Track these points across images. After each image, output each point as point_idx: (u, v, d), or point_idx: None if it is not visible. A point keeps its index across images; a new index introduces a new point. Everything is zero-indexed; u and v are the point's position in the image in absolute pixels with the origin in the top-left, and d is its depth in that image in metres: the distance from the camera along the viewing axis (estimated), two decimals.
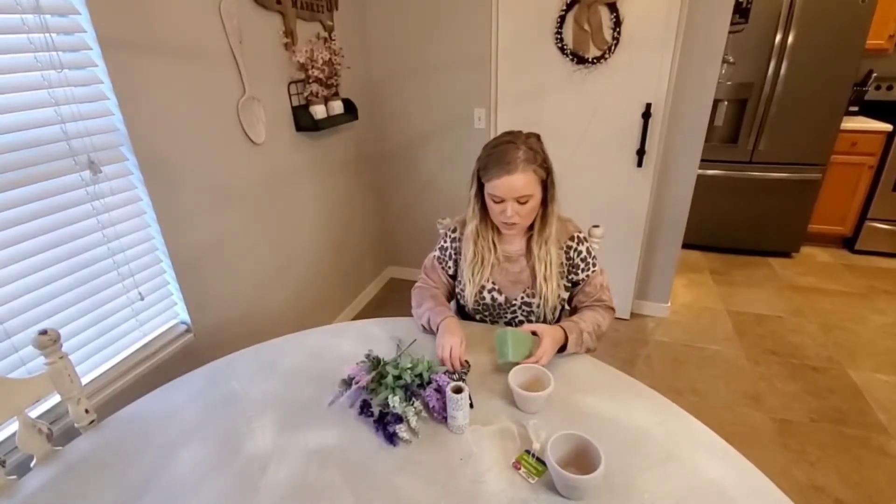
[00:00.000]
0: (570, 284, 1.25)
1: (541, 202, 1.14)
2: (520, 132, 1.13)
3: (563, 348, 1.08)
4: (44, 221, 1.17)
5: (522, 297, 1.23)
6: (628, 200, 2.30)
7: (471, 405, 0.94)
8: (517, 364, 0.99)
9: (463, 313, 1.36)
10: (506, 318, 1.28)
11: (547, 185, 1.13)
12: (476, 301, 1.26)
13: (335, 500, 0.78)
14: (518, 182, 1.06)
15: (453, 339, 1.06)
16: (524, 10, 2.13)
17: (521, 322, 1.28)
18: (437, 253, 1.32)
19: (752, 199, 3.12)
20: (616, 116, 2.17)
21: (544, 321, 1.25)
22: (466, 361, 1.08)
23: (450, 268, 1.31)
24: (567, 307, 1.32)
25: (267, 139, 1.84)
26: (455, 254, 1.29)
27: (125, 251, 1.38)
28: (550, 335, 1.05)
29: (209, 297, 1.67)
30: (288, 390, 1.04)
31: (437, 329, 1.14)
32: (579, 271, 1.22)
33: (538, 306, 1.22)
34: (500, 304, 1.25)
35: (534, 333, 1.07)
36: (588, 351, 1.14)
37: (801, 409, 1.92)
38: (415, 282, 1.35)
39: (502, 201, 1.10)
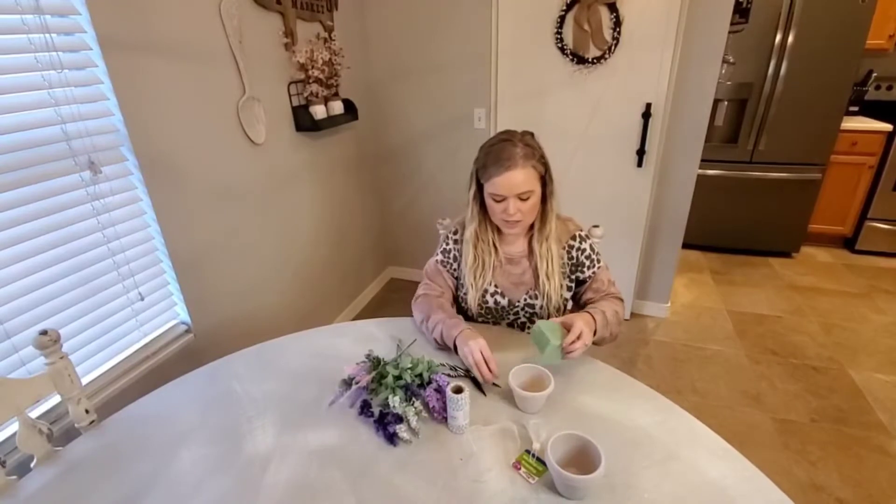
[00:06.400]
0: (573, 284, 1.24)
1: (540, 199, 1.14)
2: (515, 131, 1.13)
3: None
4: (44, 222, 1.17)
5: (525, 299, 1.22)
6: (628, 200, 2.29)
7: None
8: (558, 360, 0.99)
9: (466, 318, 1.34)
10: (508, 319, 1.28)
11: (545, 180, 1.12)
12: (479, 305, 1.24)
13: (336, 500, 0.78)
14: (518, 177, 1.06)
15: (479, 341, 1.03)
16: (524, 10, 2.13)
17: (524, 324, 1.28)
18: (439, 256, 1.30)
19: (752, 199, 3.13)
20: (616, 116, 2.17)
21: None
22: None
23: (454, 270, 1.29)
24: (574, 306, 1.30)
25: (267, 139, 1.84)
26: (459, 255, 1.28)
27: (125, 251, 1.38)
28: (580, 317, 1.03)
29: (209, 297, 1.67)
30: (288, 390, 1.04)
31: (455, 342, 1.08)
32: (585, 269, 1.21)
33: (541, 307, 1.21)
34: (503, 308, 1.24)
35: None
36: (613, 337, 1.13)
37: (802, 408, 1.92)
38: (415, 282, 1.32)
39: (503, 199, 1.09)
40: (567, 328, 1.01)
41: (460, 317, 1.19)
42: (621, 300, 1.21)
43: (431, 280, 1.29)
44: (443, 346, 1.13)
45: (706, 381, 2.09)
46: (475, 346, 1.02)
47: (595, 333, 1.05)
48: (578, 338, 0.98)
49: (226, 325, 1.74)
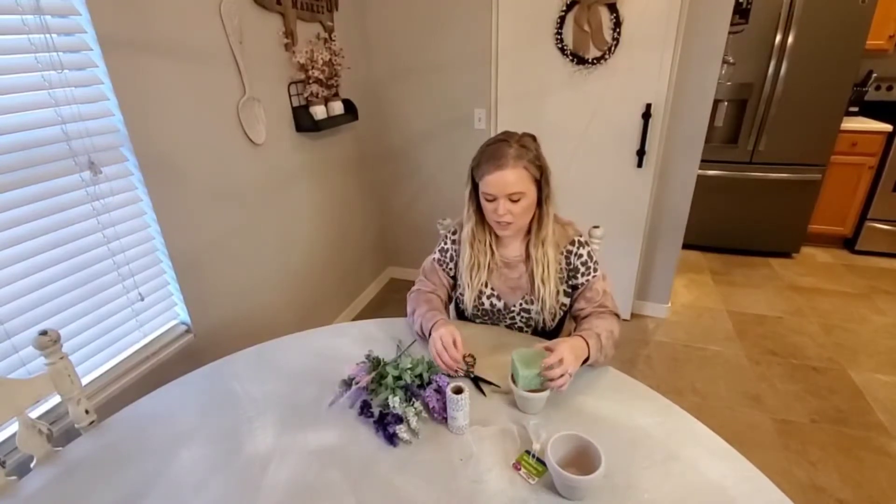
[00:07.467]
0: (570, 290, 1.22)
1: (536, 203, 1.13)
2: (514, 132, 1.12)
3: (585, 360, 1.01)
4: (44, 222, 1.18)
5: (521, 304, 1.22)
6: (628, 201, 2.29)
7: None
8: (540, 389, 0.93)
9: (463, 318, 1.35)
10: (505, 323, 1.27)
11: (541, 184, 1.11)
12: (475, 306, 1.25)
13: (336, 500, 0.78)
14: (509, 177, 1.05)
15: (441, 331, 1.03)
16: (524, 10, 2.13)
17: (521, 328, 1.27)
18: (437, 255, 1.31)
19: (752, 200, 3.13)
20: (616, 117, 2.17)
21: (544, 327, 1.24)
22: (471, 356, 1.06)
23: (451, 269, 1.30)
24: (568, 313, 1.28)
25: (267, 140, 1.84)
26: (456, 255, 1.28)
27: (125, 251, 1.38)
28: (566, 342, 0.97)
29: (209, 297, 1.66)
30: (288, 390, 1.04)
31: (429, 334, 1.09)
32: (579, 275, 1.18)
33: (537, 312, 1.21)
34: (498, 310, 1.24)
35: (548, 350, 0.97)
36: (607, 360, 1.07)
37: (802, 409, 1.92)
38: (415, 282, 1.34)
39: (494, 199, 1.08)
40: (549, 351, 0.95)
41: (443, 309, 1.22)
42: (616, 315, 1.15)
43: (427, 277, 1.31)
44: (424, 338, 1.16)
45: (706, 381, 2.09)
46: (437, 336, 1.04)
47: (588, 359, 1.00)
48: (560, 362, 0.91)
49: (226, 325, 1.74)
